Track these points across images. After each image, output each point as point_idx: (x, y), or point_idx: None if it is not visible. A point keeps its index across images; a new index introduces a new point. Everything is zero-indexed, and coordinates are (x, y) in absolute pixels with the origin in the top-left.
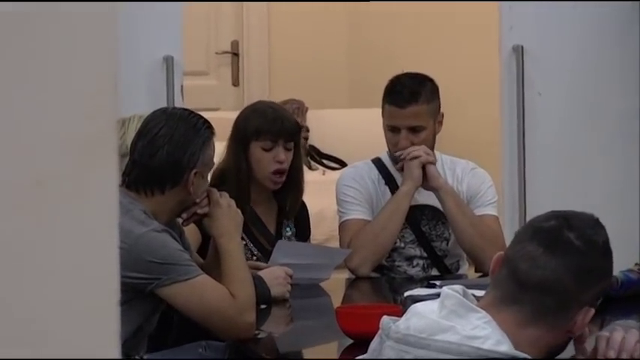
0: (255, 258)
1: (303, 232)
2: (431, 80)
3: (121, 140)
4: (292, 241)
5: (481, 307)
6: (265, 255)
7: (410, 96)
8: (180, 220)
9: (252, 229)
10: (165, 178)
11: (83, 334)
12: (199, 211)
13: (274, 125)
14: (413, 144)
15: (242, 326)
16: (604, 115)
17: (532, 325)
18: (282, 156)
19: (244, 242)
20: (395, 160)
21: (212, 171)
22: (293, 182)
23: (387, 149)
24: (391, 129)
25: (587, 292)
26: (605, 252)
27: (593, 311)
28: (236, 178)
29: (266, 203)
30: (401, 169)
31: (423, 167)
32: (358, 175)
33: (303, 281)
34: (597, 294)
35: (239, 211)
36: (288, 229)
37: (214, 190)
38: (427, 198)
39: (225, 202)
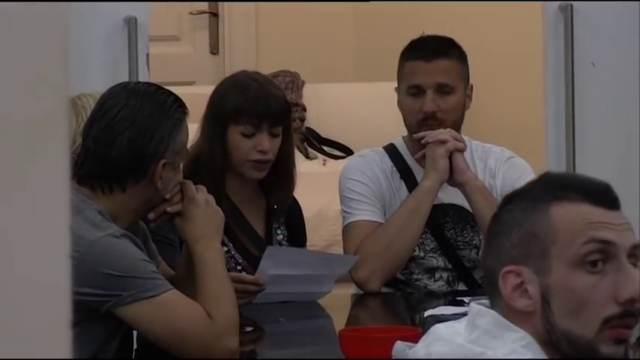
0: (240, 268)
1: (296, 235)
2: (459, 46)
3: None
4: (284, 246)
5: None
6: (252, 264)
7: (439, 47)
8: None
9: (235, 232)
10: (126, 171)
11: None
12: (170, 209)
13: (257, 105)
14: (441, 110)
15: (221, 353)
16: None
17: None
18: (266, 144)
19: (226, 249)
20: (417, 141)
21: None
22: (282, 174)
23: (402, 135)
24: (414, 91)
25: (498, 251)
26: (517, 199)
27: (511, 270)
28: (209, 166)
29: (252, 200)
30: (422, 158)
31: (450, 157)
32: (367, 166)
33: (298, 297)
34: (511, 248)
35: (219, 210)
36: (279, 231)
37: (189, 184)
38: (452, 196)
39: (202, 198)
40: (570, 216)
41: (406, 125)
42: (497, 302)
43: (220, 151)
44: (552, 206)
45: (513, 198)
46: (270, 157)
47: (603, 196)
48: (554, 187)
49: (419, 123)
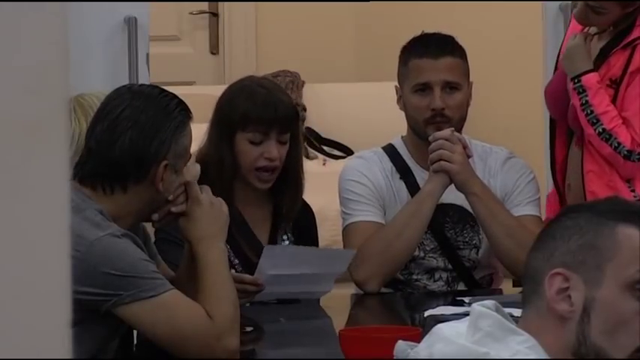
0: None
1: (304, 240)
2: (459, 44)
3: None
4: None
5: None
6: (249, 270)
7: (444, 45)
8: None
9: (236, 237)
10: (127, 171)
11: None
12: (174, 209)
13: (266, 112)
14: (448, 107)
15: (221, 354)
16: None
17: (533, 319)
18: (274, 152)
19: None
20: (426, 140)
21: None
22: (290, 181)
23: (400, 135)
24: (421, 88)
25: (550, 253)
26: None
27: (561, 272)
28: (218, 173)
29: (257, 205)
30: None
31: None
32: (366, 166)
33: (297, 296)
34: (567, 253)
35: (223, 210)
36: (285, 237)
37: (193, 184)
38: (452, 196)
39: (206, 198)
40: (635, 240)
41: (410, 124)
42: (534, 302)
43: (229, 159)
44: (620, 226)
45: (578, 208)
46: (277, 164)
47: None
48: (624, 210)
49: (426, 121)
